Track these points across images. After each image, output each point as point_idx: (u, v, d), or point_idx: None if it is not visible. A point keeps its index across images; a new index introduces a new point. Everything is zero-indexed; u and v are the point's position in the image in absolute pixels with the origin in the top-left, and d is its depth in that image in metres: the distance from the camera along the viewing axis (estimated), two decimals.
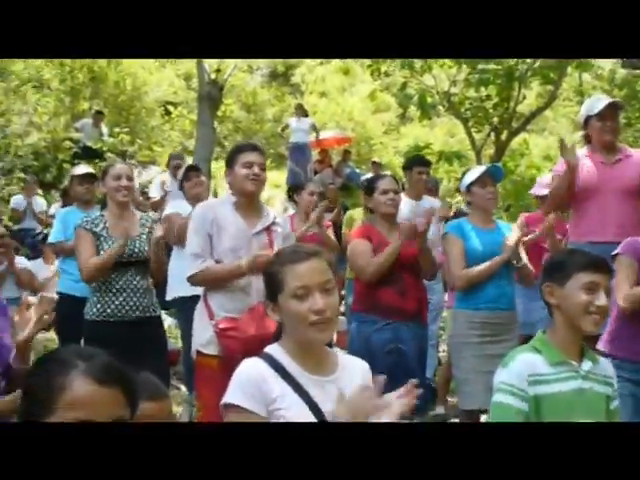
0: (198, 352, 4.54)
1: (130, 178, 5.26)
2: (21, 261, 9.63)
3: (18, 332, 2.99)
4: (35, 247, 11.00)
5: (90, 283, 5.10)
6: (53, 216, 11.78)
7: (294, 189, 7.20)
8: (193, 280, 4.59)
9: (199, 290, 4.87)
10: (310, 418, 2.47)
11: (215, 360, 4.44)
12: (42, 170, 15.75)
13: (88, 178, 6.81)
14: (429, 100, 14.29)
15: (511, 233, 5.19)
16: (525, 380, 3.02)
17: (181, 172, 7.19)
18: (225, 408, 2.52)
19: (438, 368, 7.97)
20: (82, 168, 7.35)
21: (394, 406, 2.41)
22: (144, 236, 5.19)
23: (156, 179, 11.21)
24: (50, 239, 7.13)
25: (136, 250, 5.09)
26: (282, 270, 2.57)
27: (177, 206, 6.91)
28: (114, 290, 5.03)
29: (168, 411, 2.43)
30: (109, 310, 5.01)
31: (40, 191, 13.41)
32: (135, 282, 5.08)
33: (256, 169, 4.55)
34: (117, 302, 5.01)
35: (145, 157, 17.77)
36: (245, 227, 4.55)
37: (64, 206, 11.44)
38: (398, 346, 5.13)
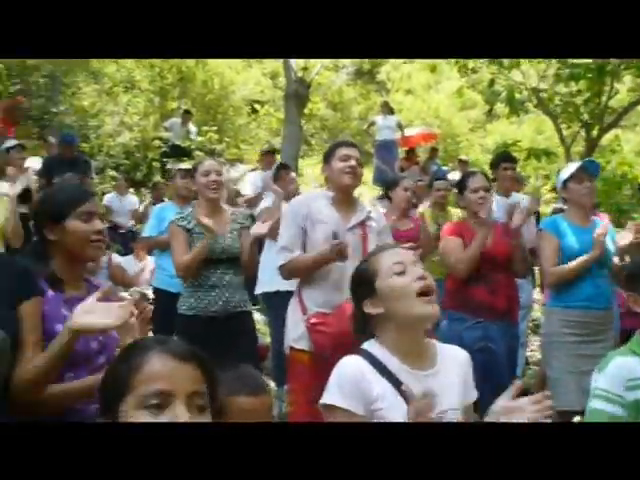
0: (291, 347, 4.57)
1: (219, 173, 5.30)
2: (113, 257, 9.86)
3: (122, 337, 3.03)
4: (126, 244, 11.20)
5: (185, 280, 5.16)
6: (144, 213, 12.04)
7: (389, 185, 7.18)
8: (282, 272, 4.64)
9: (288, 286, 4.90)
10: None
11: (307, 355, 4.46)
12: (133, 168, 16.08)
13: (190, 174, 6.90)
14: (517, 96, 14.06)
15: (601, 229, 5.06)
16: (622, 385, 2.93)
17: (271, 172, 7.27)
18: (324, 409, 2.50)
19: (526, 367, 7.86)
20: (187, 164, 7.52)
21: (527, 409, 2.34)
22: (235, 232, 5.21)
23: (249, 176, 11.32)
24: (144, 233, 7.27)
25: (227, 246, 5.12)
26: (371, 260, 2.61)
27: (270, 203, 6.95)
28: (206, 286, 5.09)
29: (268, 406, 2.43)
30: (202, 305, 5.06)
31: (131, 189, 13.66)
32: (227, 278, 5.12)
33: (353, 162, 4.58)
34: (209, 297, 5.06)
35: (232, 155, 17.94)
36: (340, 221, 4.56)
37: (154, 202, 11.70)
38: (488, 345, 5.07)
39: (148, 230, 7.08)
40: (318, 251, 4.45)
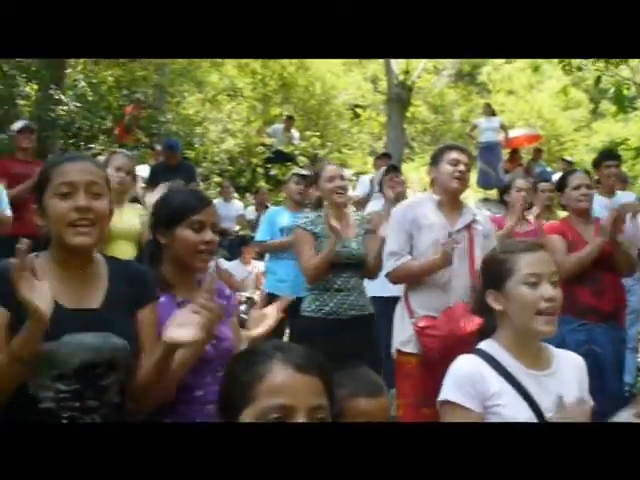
0: (398, 351, 4.57)
1: (343, 178, 5.34)
2: (220, 263, 10.02)
3: (250, 328, 3.09)
4: (232, 249, 11.35)
5: (313, 283, 5.18)
6: (250, 218, 12.21)
7: (503, 189, 7.12)
8: (390, 277, 4.63)
9: (397, 290, 4.91)
10: (528, 414, 2.45)
11: (414, 358, 4.46)
12: (237, 174, 16.30)
13: (304, 180, 6.97)
14: (625, 93, 13.65)
15: None
16: None
17: (380, 173, 7.29)
18: (441, 405, 2.55)
19: (637, 373, 7.68)
20: (303, 170, 7.66)
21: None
22: (360, 236, 5.23)
23: (361, 179, 11.38)
24: (256, 238, 7.38)
25: (354, 250, 5.15)
26: (512, 258, 2.58)
27: (377, 205, 6.98)
28: (332, 289, 5.10)
29: (385, 407, 2.45)
30: (327, 308, 5.09)
31: (236, 194, 13.86)
32: (352, 282, 5.14)
33: (462, 167, 4.55)
34: (335, 300, 5.10)
35: (335, 160, 18.06)
36: (446, 224, 4.55)
37: (258, 208, 11.84)
38: (592, 347, 4.95)
39: (260, 235, 7.16)
40: (427, 258, 4.43)
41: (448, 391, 2.53)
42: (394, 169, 7.28)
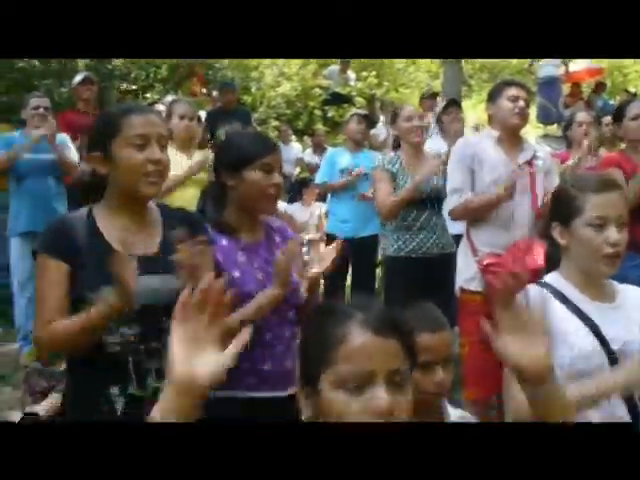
0: (462, 289, 4.58)
1: (421, 117, 5.40)
2: (281, 205, 10.07)
3: (312, 266, 3.13)
4: (292, 191, 11.39)
5: (387, 220, 5.35)
6: (308, 161, 12.21)
7: (565, 125, 7.01)
8: (453, 214, 4.63)
9: (456, 229, 4.91)
10: (594, 343, 2.47)
11: (479, 296, 4.46)
12: (294, 118, 16.27)
13: (365, 120, 7.02)
14: None
15: None
16: None
17: (440, 107, 7.25)
18: None
19: None
20: (362, 110, 7.85)
21: None
22: (440, 172, 5.28)
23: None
24: (317, 179, 7.43)
25: (434, 186, 5.22)
26: (582, 196, 2.56)
27: (432, 143, 6.96)
28: (414, 228, 5.21)
29: (448, 342, 2.47)
30: (411, 246, 5.19)
31: (294, 137, 13.88)
32: (434, 219, 5.22)
33: (521, 103, 4.50)
34: (418, 239, 5.19)
35: (393, 99, 17.90)
36: (507, 161, 4.51)
37: (315, 150, 11.83)
38: None
39: (321, 176, 7.21)
40: (494, 193, 4.40)
41: None
42: (454, 103, 7.21)
